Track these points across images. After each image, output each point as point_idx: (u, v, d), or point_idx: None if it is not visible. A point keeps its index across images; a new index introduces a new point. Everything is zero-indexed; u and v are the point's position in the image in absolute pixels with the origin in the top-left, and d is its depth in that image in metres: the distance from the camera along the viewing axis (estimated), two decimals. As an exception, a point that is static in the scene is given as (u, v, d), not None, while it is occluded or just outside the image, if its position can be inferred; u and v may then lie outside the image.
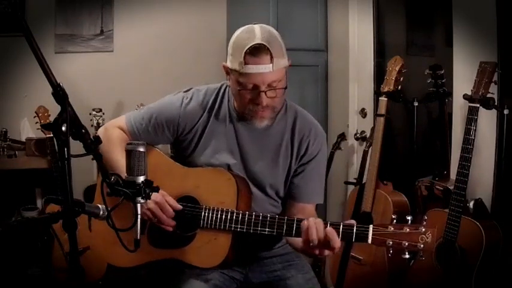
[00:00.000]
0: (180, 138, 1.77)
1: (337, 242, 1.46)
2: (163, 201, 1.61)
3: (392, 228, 1.46)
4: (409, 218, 1.47)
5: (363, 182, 2.79)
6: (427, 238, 1.43)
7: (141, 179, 1.32)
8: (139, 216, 1.33)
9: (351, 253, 2.74)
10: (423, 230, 1.43)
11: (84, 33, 3.54)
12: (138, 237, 1.36)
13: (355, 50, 3.42)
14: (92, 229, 1.82)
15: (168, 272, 1.76)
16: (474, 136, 2.12)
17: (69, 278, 1.24)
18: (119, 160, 1.61)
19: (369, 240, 1.46)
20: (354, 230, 1.48)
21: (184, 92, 1.79)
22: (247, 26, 1.64)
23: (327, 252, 1.49)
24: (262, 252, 1.83)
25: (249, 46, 1.54)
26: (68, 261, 1.19)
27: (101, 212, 1.31)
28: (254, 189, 1.75)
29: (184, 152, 1.78)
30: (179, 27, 3.72)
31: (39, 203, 3.35)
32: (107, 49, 3.60)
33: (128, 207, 1.41)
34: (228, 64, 1.63)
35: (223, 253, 1.63)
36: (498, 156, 2.34)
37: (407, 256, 1.47)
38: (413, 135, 3.02)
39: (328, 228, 1.47)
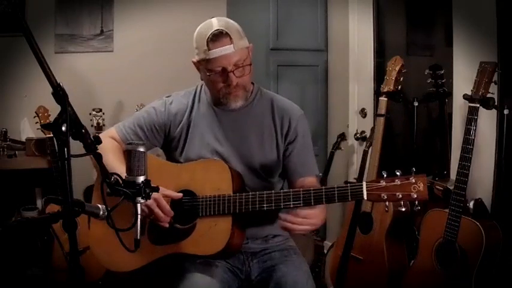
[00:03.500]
0: (169, 138, 1.88)
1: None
2: (160, 197, 1.64)
3: (384, 183, 1.53)
4: (398, 172, 1.55)
5: (363, 182, 2.79)
6: (419, 187, 1.50)
7: (141, 179, 1.32)
8: (139, 216, 1.33)
9: (351, 253, 2.74)
10: (413, 180, 1.52)
11: (84, 33, 3.54)
12: (138, 237, 1.36)
13: (355, 50, 3.43)
14: (91, 238, 1.82)
15: (171, 270, 1.76)
16: (474, 136, 2.12)
17: (69, 278, 1.24)
18: (112, 166, 1.63)
19: (365, 196, 1.54)
20: (349, 189, 1.56)
21: (166, 97, 1.92)
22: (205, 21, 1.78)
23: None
24: (262, 245, 1.86)
25: (209, 34, 1.69)
26: (68, 261, 1.19)
27: (101, 212, 1.31)
28: (246, 172, 1.81)
29: (175, 151, 1.87)
30: (179, 27, 3.71)
31: (39, 203, 3.35)
32: (107, 49, 3.60)
33: (126, 209, 1.40)
34: (196, 58, 1.77)
35: (226, 237, 1.65)
36: (498, 156, 2.34)
37: (403, 209, 1.55)
38: (413, 135, 3.02)
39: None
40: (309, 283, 1.77)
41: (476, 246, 2.08)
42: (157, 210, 1.64)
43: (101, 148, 1.70)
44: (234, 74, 1.71)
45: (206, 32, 1.70)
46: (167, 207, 1.65)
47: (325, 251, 3.20)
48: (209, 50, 1.69)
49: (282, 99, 1.91)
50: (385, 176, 1.56)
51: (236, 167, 1.80)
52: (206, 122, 1.85)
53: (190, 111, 1.86)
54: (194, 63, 1.80)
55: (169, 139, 1.88)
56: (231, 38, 1.69)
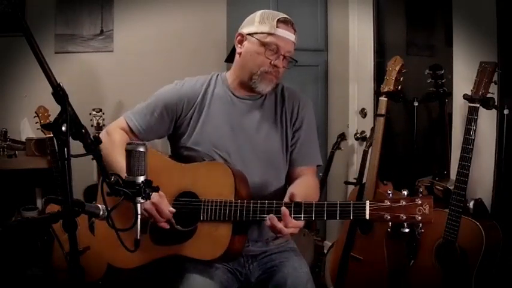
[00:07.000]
0: (179, 122, 1.84)
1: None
2: (159, 202, 1.63)
3: (388, 202, 1.47)
4: (404, 192, 1.49)
5: (363, 182, 2.79)
6: (425, 209, 1.44)
7: (141, 179, 1.32)
8: (139, 216, 1.33)
9: (351, 253, 2.74)
10: (420, 201, 1.45)
11: (84, 33, 3.54)
12: (138, 237, 1.36)
13: (355, 50, 3.42)
14: (95, 232, 1.84)
15: (172, 270, 1.76)
16: (474, 136, 2.12)
17: (69, 278, 1.24)
18: (120, 162, 1.63)
19: (367, 216, 1.49)
20: (351, 207, 1.52)
21: (177, 80, 1.90)
22: None
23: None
24: (263, 248, 1.84)
25: (281, 16, 1.78)
26: (68, 261, 1.19)
27: (101, 212, 1.31)
28: (254, 161, 1.80)
29: (183, 137, 1.83)
30: (179, 27, 3.72)
31: (39, 203, 3.35)
32: (107, 49, 3.60)
33: (127, 208, 1.41)
34: (252, 29, 1.79)
35: (225, 244, 1.64)
36: (498, 156, 2.34)
37: (406, 230, 1.48)
38: (413, 135, 3.02)
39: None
40: (309, 284, 1.76)
41: (476, 246, 2.08)
42: (156, 214, 1.64)
43: (109, 142, 1.74)
44: (283, 60, 1.78)
45: (276, 14, 1.78)
46: (166, 212, 1.65)
47: (325, 251, 3.20)
48: (277, 27, 1.75)
49: (291, 88, 1.95)
50: (390, 195, 1.51)
51: (244, 156, 1.79)
52: (221, 112, 1.83)
53: (203, 97, 1.84)
54: (243, 34, 1.82)
55: (178, 123, 1.84)
56: (295, 31, 1.80)
